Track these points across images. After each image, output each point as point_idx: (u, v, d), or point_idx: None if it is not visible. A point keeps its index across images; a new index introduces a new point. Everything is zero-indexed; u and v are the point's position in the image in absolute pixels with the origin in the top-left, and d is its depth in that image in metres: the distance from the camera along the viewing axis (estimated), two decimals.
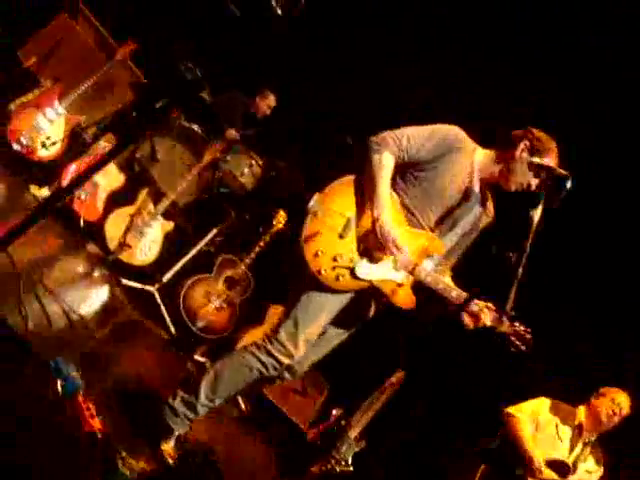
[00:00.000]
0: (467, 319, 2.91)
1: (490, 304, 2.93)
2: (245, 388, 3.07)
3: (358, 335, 3.26)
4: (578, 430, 4.10)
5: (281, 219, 5.49)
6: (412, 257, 2.95)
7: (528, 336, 2.90)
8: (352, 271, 2.90)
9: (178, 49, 5.57)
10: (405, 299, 2.97)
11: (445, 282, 2.98)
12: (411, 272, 2.94)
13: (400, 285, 2.96)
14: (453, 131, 3.02)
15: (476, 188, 3.07)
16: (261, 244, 5.55)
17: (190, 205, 5.78)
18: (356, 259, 2.90)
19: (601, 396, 4.15)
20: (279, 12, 2.18)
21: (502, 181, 3.04)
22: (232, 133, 5.89)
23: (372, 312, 3.15)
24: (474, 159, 3.06)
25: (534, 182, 2.96)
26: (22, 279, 3.19)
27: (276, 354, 2.92)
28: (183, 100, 4.89)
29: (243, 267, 5.55)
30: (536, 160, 2.96)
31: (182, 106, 5.02)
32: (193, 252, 5.43)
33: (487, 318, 2.89)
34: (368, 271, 2.92)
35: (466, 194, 3.04)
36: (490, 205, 3.18)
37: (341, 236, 2.91)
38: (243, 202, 5.87)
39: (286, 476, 4.34)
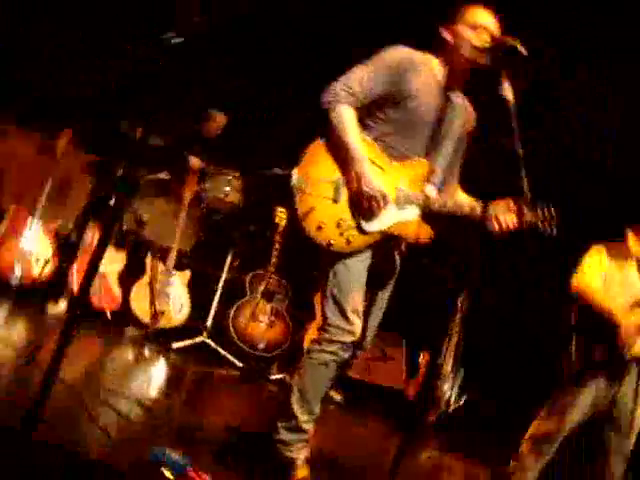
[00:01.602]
0: (491, 225, 2.84)
1: (507, 200, 2.87)
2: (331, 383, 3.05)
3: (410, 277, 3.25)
4: (638, 262, 4.00)
5: (282, 215, 5.46)
6: (411, 190, 2.90)
7: (554, 215, 2.83)
8: (359, 229, 2.84)
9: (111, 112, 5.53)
10: (422, 232, 2.91)
11: (453, 200, 2.93)
12: (416, 205, 2.90)
13: (411, 222, 2.90)
14: (396, 51, 2.93)
15: (449, 93, 2.99)
16: (276, 246, 5.54)
17: (195, 246, 5.77)
18: (358, 216, 2.85)
19: None
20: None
21: (458, 60, 2.92)
22: (196, 162, 5.84)
23: (398, 262, 3.11)
24: (432, 66, 2.98)
25: (484, 41, 2.86)
26: (84, 396, 3.18)
27: (338, 338, 2.88)
28: (138, 157, 4.88)
29: (272, 275, 5.54)
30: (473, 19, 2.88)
31: (140, 163, 4.99)
32: (220, 286, 5.43)
33: (509, 217, 2.83)
34: (374, 222, 2.86)
35: (442, 104, 2.97)
36: (467, 103, 3.10)
37: (335, 201, 2.85)
38: (241, 217, 5.83)
39: (409, 440, 4.33)
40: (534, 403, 4.13)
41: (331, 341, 2.89)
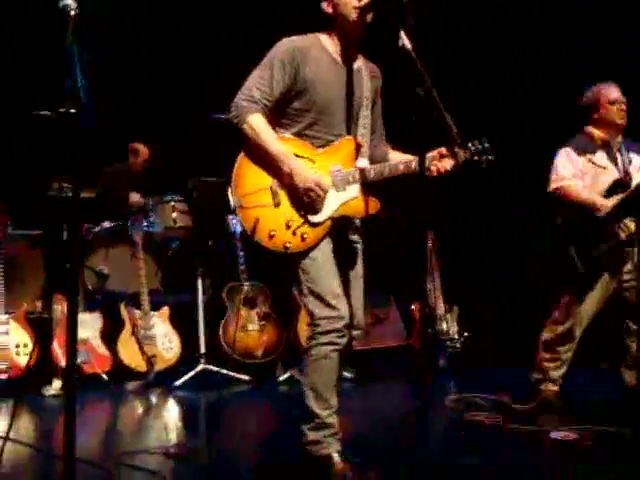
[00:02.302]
0: (429, 175, 2.90)
1: (439, 149, 2.93)
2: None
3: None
4: (605, 148, 4.05)
5: (235, 221, 5.46)
6: (346, 169, 2.95)
7: (485, 145, 2.92)
8: (309, 223, 2.89)
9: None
10: (370, 206, 2.98)
11: (387, 165, 2.98)
12: (354, 182, 2.95)
13: (356, 199, 2.96)
14: (283, 45, 2.94)
15: (348, 63, 3.00)
16: (240, 253, 5.56)
17: (164, 281, 5.73)
18: (304, 212, 2.89)
19: (600, 106, 4.05)
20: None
21: (347, 27, 2.93)
22: (135, 198, 5.80)
23: (358, 239, 3.15)
24: (320, 45, 2.98)
25: None
26: (108, 465, 3.16)
27: (330, 327, 2.90)
28: (79, 216, 4.83)
29: (246, 282, 5.55)
30: None
31: (82, 220, 4.95)
32: (201, 310, 5.41)
33: (443, 162, 2.91)
34: (321, 212, 2.91)
35: (343, 77, 2.99)
36: (369, 64, 3.12)
37: (276, 205, 2.88)
38: (198, 237, 5.80)
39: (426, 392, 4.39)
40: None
41: (324, 332, 2.92)
